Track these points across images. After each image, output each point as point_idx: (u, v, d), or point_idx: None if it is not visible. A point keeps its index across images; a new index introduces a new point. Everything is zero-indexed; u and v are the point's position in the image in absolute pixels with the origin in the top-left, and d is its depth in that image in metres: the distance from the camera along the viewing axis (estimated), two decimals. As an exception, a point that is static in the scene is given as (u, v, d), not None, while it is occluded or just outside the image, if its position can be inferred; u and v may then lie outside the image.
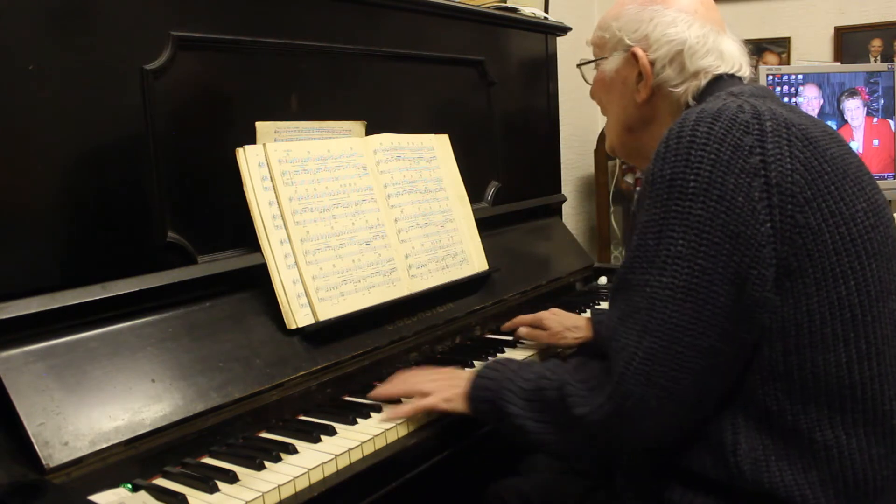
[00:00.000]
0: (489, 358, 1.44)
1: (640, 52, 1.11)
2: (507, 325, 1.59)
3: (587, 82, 1.27)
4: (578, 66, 1.27)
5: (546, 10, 2.59)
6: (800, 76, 2.70)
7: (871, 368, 0.93)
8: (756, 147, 0.91)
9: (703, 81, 1.10)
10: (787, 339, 0.91)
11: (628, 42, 1.13)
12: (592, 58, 1.23)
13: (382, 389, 1.25)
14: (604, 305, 1.84)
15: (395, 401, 1.23)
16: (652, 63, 1.11)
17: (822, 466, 0.92)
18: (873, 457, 0.93)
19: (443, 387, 1.19)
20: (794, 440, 0.92)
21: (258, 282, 1.30)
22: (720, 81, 1.10)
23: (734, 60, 1.12)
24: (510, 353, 1.49)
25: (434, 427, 1.19)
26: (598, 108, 1.26)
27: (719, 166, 0.90)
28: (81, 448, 0.99)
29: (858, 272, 0.92)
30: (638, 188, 3.09)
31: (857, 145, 2.68)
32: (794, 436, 0.92)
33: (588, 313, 1.57)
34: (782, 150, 0.91)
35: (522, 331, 1.55)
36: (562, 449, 1.03)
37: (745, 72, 1.13)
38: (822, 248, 0.90)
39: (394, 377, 1.28)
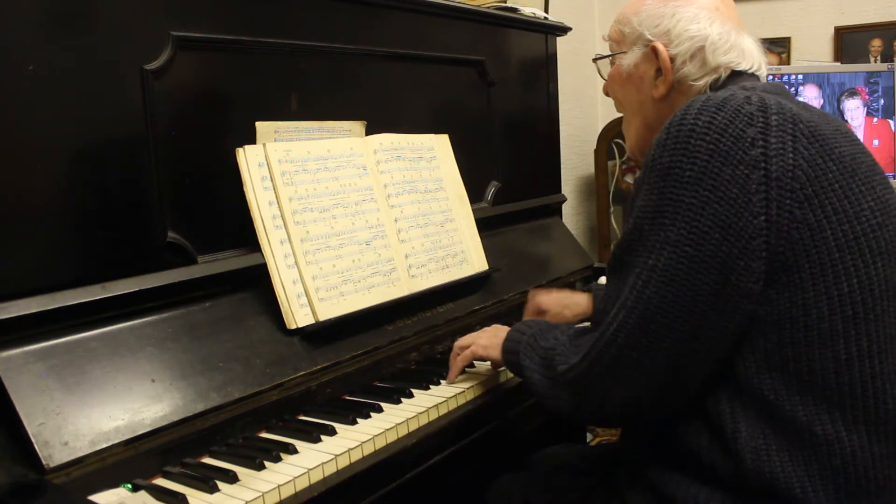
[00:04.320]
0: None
1: (660, 47, 1.11)
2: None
3: (602, 77, 1.26)
4: (595, 60, 1.27)
5: (546, 10, 2.59)
6: (800, 76, 2.70)
7: (872, 367, 0.93)
8: (758, 139, 0.90)
9: (724, 75, 1.09)
10: (781, 331, 0.92)
11: (649, 37, 1.12)
12: (609, 52, 1.22)
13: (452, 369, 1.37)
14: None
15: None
16: (672, 59, 1.10)
17: (822, 460, 0.92)
18: (875, 455, 0.93)
19: (483, 336, 1.33)
20: (794, 431, 0.92)
21: (258, 282, 1.30)
22: (738, 76, 1.10)
23: (754, 59, 1.12)
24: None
25: (434, 427, 1.20)
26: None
27: (717, 156, 0.90)
28: (81, 448, 0.99)
29: (862, 269, 0.92)
30: (638, 188, 3.09)
31: (857, 145, 2.68)
32: (793, 427, 0.92)
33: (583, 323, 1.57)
34: (786, 144, 0.91)
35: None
36: (554, 405, 1.09)
37: (763, 71, 1.13)
38: (821, 245, 0.90)
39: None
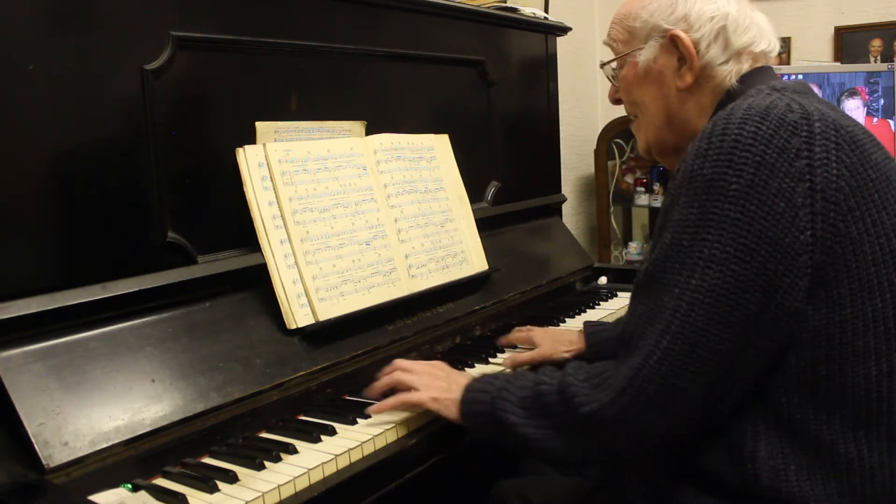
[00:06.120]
0: (489, 359, 1.44)
1: (681, 33, 1.05)
2: (503, 340, 1.52)
3: (613, 83, 1.19)
4: (602, 66, 1.21)
5: (546, 10, 2.59)
6: (800, 76, 2.70)
7: None
8: (803, 150, 0.87)
9: (746, 66, 1.06)
10: (817, 350, 0.89)
11: (665, 26, 1.06)
12: (616, 55, 1.15)
13: (377, 383, 1.22)
14: (602, 305, 1.84)
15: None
16: (696, 43, 1.05)
17: (841, 478, 0.90)
18: (893, 471, 0.92)
19: (434, 386, 1.16)
20: (816, 450, 0.91)
21: (258, 282, 1.29)
22: (762, 71, 1.06)
23: (769, 36, 1.08)
24: (509, 354, 1.48)
25: (434, 427, 1.19)
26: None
27: (763, 169, 0.86)
28: (81, 448, 0.99)
29: None
30: (638, 187, 3.09)
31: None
32: (815, 446, 0.91)
33: (580, 325, 1.52)
34: (829, 154, 0.88)
35: (517, 357, 1.43)
36: (567, 454, 1.00)
37: (776, 48, 1.09)
38: (860, 259, 0.88)
39: (390, 366, 1.24)
